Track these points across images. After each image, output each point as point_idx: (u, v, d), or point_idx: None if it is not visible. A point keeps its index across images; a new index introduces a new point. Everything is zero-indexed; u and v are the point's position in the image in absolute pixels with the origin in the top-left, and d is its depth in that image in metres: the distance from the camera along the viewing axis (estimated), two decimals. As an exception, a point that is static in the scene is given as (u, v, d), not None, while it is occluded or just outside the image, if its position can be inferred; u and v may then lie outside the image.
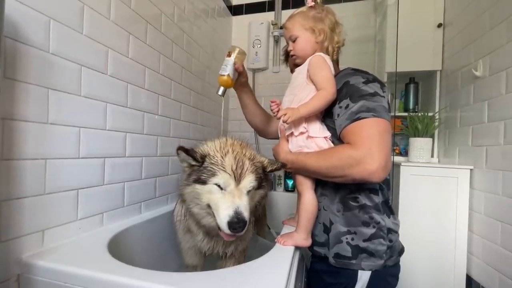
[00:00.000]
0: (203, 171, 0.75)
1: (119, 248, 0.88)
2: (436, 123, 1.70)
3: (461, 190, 1.44)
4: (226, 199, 0.71)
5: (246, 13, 2.29)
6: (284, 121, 0.80)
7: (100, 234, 0.90)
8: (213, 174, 0.73)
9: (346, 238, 0.82)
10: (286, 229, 0.96)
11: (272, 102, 0.90)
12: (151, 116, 1.25)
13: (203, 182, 0.74)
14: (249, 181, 0.74)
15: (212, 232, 0.87)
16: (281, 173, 2.07)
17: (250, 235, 1.00)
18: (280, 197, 1.97)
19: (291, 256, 0.77)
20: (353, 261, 0.80)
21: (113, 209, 1.03)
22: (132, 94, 1.11)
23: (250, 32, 2.22)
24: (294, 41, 0.89)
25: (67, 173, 0.84)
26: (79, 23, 0.86)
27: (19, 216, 0.71)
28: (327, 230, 0.86)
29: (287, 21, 0.91)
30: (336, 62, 0.96)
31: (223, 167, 0.73)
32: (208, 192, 0.74)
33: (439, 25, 1.72)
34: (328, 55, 0.87)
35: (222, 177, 0.72)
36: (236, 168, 0.73)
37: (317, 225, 0.88)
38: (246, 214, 0.70)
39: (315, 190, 0.87)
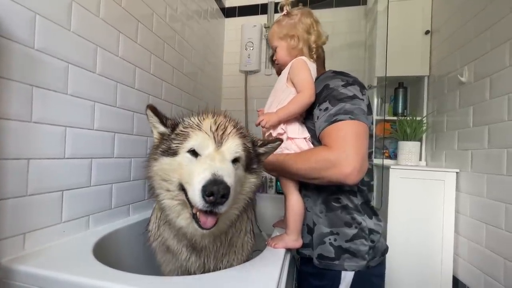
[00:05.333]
0: (174, 139, 0.61)
1: (105, 252, 0.85)
2: (424, 127, 1.74)
3: (447, 193, 1.47)
4: (201, 163, 0.55)
5: (239, 15, 2.30)
6: (262, 126, 0.85)
7: (85, 237, 0.88)
8: (186, 138, 0.58)
9: (329, 239, 0.82)
10: (277, 232, 0.96)
11: (258, 111, 0.97)
12: (141, 116, 1.22)
13: (173, 153, 0.59)
14: (234, 145, 0.58)
15: (197, 241, 0.70)
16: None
17: (249, 246, 0.83)
18: (271, 200, 1.97)
19: (282, 259, 0.76)
20: (336, 262, 0.81)
21: (100, 211, 1.00)
22: (121, 94, 1.09)
23: (243, 34, 2.23)
24: (275, 51, 0.94)
25: (52, 174, 0.81)
26: (67, 20, 0.84)
27: (-2, 219, 0.67)
28: (310, 231, 0.87)
29: (269, 32, 0.97)
30: (321, 64, 0.98)
31: (199, 127, 0.59)
32: (179, 166, 0.58)
33: (427, 32, 1.77)
34: (306, 56, 0.89)
35: (197, 138, 0.56)
36: (217, 129, 0.59)
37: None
38: (229, 179, 0.51)
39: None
